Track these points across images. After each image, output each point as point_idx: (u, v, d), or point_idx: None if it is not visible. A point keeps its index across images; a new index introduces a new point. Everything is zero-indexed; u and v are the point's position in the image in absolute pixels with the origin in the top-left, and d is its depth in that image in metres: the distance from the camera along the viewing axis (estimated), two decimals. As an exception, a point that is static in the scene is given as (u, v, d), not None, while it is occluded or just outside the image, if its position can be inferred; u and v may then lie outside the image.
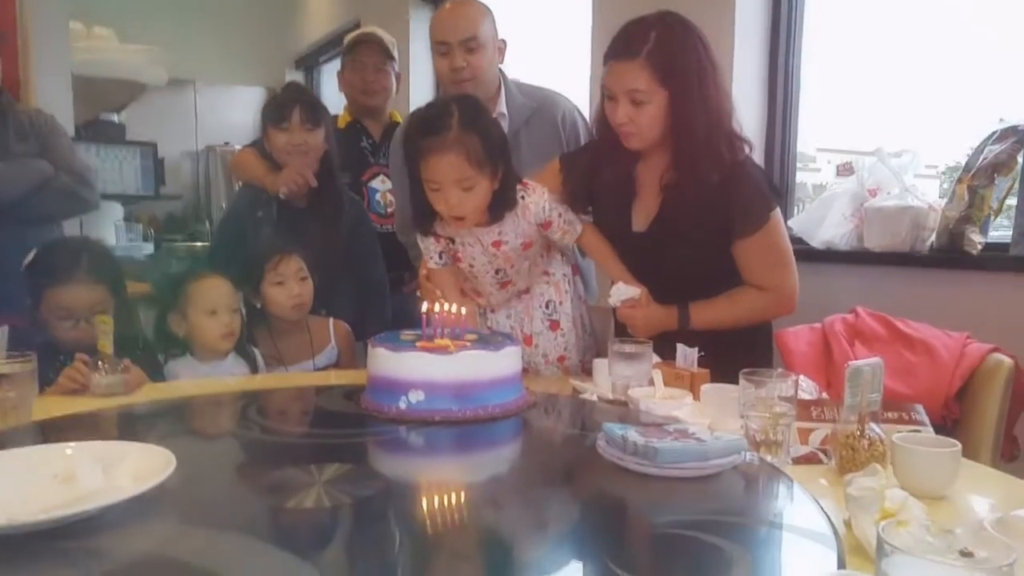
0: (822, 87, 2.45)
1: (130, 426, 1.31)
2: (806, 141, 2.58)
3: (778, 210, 1.53)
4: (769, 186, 1.54)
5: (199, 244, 5.47)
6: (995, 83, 2.08)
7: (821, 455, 1.07)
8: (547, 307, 1.70)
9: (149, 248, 4.52)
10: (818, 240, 2.11)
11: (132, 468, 0.91)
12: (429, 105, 1.49)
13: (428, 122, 1.41)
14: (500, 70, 2.00)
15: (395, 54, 2.50)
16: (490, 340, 1.33)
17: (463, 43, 1.85)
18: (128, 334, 1.65)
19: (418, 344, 1.26)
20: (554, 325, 1.70)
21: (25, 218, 2.23)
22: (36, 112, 2.44)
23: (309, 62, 5.84)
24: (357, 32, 2.60)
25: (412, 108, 3.44)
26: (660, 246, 1.55)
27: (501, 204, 1.49)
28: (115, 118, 4.61)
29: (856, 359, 1.45)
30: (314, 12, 5.50)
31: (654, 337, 1.46)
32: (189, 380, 1.65)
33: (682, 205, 1.51)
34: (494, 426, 1.22)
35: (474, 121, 1.40)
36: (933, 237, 1.94)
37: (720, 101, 1.45)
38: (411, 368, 1.23)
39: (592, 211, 1.68)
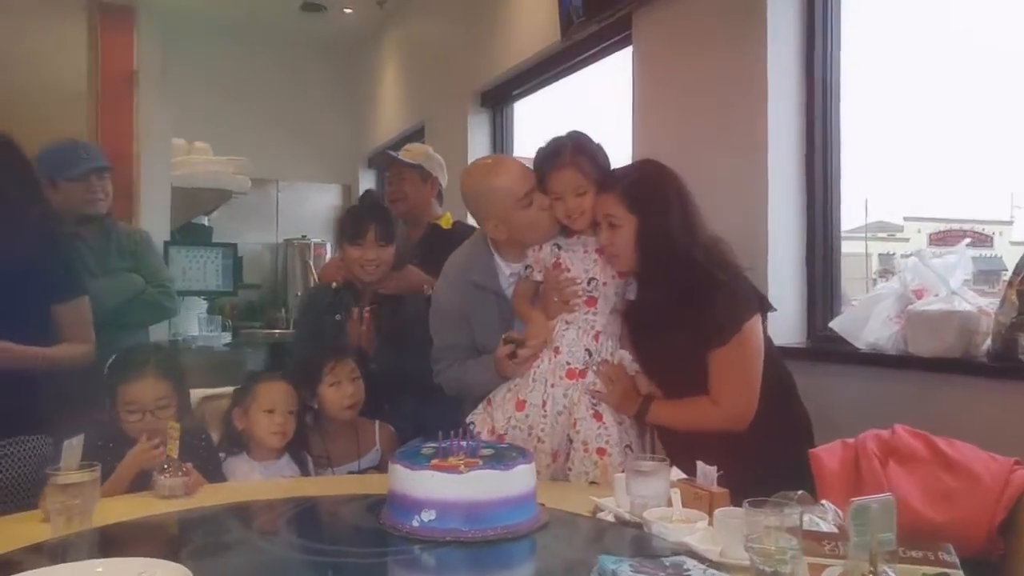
0: (914, 153, 2.38)
1: (175, 533, 1.41)
2: (891, 211, 2.51)
3: (751, 324, 1.66)
4: (745, 301, 1.68)
5: (276, 331, 5.77)
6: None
7: (832, 596, 1.03)
8: (593, 396, 1.74)
9: (228, 337, 4.79)
10: (862, 342, 2.05)
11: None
12: (548, 143, 1.83)
13: (548, 154, 1.81)
14: None
15: (416, 161, 2.69)
16: (503, 457, 1.35)
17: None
18: (191, 430, 1.78)
19: (431, 463, 1.30)
20: (598, 416, 1.73)
21: (119, 324, 2.48)
22: (134, 230, 2.81)
23: (379, 161, 6.22)
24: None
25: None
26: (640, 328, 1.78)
27: None
28: (205, 221, 5.08)
29: (889, 481, 1.40)
30: (384, 116, 5.94)
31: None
32: (242, 480, 1.76)
33: (652, 313, 1.73)
34: (503, 548, 1.23)
35: (582, 148, 1.79)
36: (988, 343, 1.86)
37: (686, 229, 1.71)
38: (424, 487, 1.27)
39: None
